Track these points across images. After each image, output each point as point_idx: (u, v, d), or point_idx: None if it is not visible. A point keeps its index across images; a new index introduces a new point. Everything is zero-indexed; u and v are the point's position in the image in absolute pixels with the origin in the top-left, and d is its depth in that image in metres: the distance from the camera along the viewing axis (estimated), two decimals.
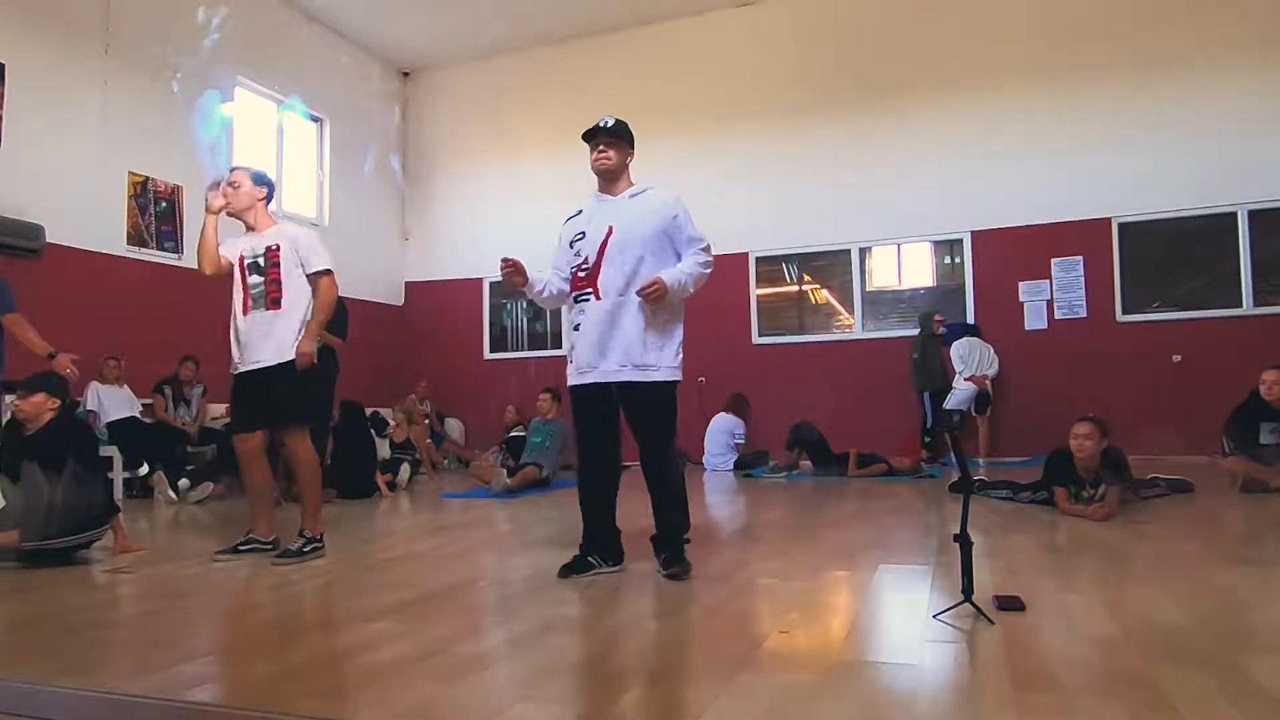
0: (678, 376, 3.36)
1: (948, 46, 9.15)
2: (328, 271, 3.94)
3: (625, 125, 3.41)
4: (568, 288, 3.46)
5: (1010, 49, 8.96)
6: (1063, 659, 2.12)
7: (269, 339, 3.83)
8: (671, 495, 3.36)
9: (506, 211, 10.58)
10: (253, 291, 3.87)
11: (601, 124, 3.39)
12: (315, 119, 10.20)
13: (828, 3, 9.71)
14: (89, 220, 7.36)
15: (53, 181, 7.07)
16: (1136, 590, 2.91)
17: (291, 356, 3.82)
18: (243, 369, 3.89)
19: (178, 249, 8.09)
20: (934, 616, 2.48)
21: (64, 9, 7.32)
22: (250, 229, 4.01)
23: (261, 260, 3.89)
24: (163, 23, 8.01)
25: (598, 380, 3.29)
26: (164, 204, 8.05)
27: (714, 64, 10.01)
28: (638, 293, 3.23)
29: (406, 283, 11.43)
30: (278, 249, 3.89)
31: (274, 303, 3.85)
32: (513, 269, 3.34)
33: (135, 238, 7.77)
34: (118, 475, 6.79)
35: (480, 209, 10.96)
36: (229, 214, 3.98)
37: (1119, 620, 2.47)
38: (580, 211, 3.50)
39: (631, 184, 3.45)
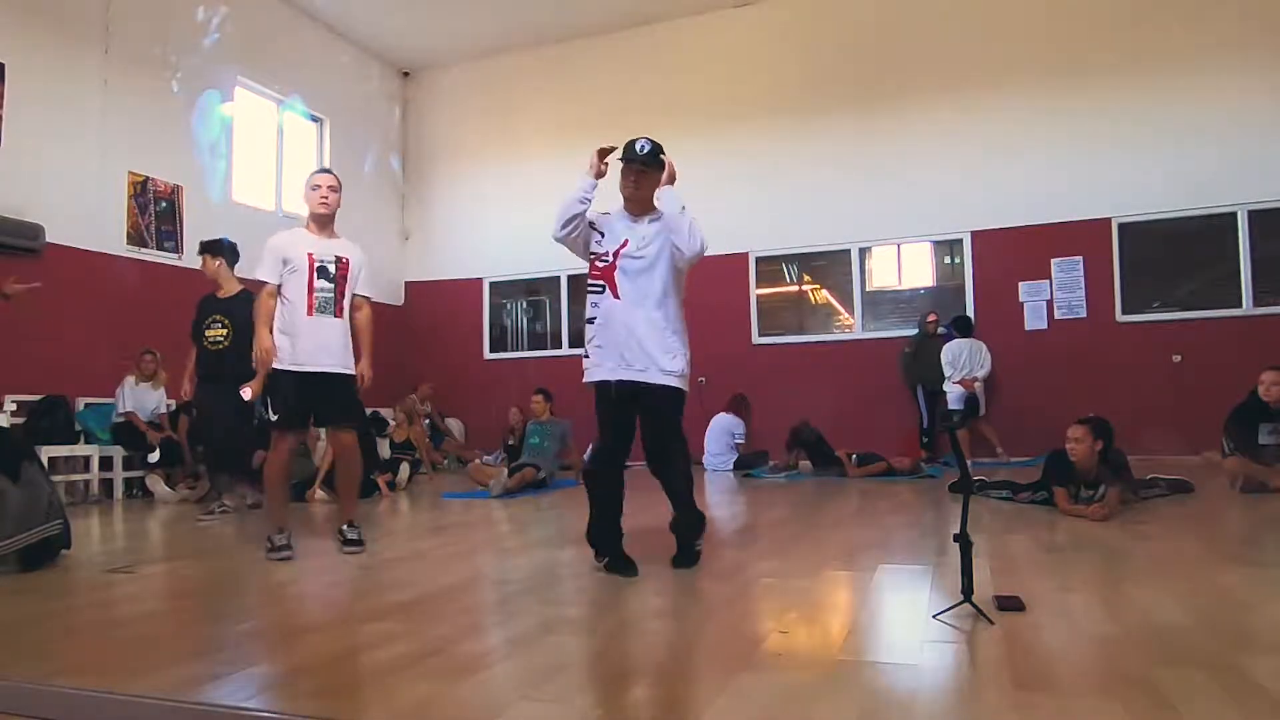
0: (686, 387, 3.41)
1: (948, 46, 9.15)
2: (368, 298, 4.17)
3: (658, 153, 3.36)
4: (578, 212, 3.37)
5: (1010, 49, 8.95)
6: (1063, 659, 2.12)
7: (336, 345, 3.96)
8: (688, 487, 3.46)
9: (506, 211, 10.60)
10: (320, 295, 3.93)
11: (639, 148, 3.34)
12: (315, 119, 10.20)
13: (828, 3, 9.72)
14: (89, 220, 7.35)
15: (53, 181, 7.07)
16: (1136, 590, 2.90)
17: (353, 370, 4.02)
18: (310, 369, 3.89)
19: (177, 249, 8.09)
20: (934, 616, 2.48)
21: (64, 9, 7.32)
22: (320, 231, 4.05)
23: (331, 267, 3.97)
24: (163, 23, 8.01)
25: (621, 378, 3.32)
26: (164, 204, 8.05)
27: (714, 64, 10.01)
28: None
29: (406, 283, 11.44)
30: (348, 262, 4.03)
31: (340, 311, 4.00)
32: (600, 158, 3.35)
33: (135, 238, 7.77)
34: (117, 475, 6.83)
35: (480, 209, 10.96)
36: (325, 214, 4.04)
37: (1119, 620, 2.47)
38: (609, 213, 3.49)
39: (654, 210, 3.41)
